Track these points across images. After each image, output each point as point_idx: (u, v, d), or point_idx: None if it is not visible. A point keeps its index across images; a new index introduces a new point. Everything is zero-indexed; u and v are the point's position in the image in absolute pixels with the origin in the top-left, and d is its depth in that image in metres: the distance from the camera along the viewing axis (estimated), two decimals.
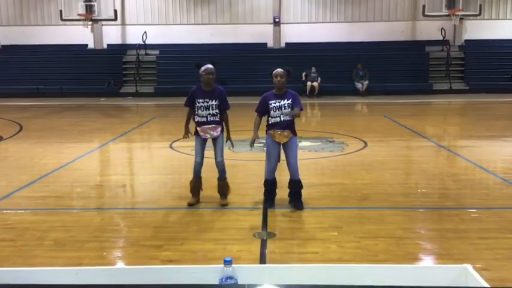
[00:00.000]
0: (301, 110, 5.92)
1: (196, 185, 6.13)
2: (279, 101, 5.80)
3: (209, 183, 6.37)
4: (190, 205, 6.06)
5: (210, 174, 6.37)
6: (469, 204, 6.24)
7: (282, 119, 5.81)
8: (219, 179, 6.15)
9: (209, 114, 5.95)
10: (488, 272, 4.15)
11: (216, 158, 6.08)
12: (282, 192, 6.35)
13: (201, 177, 6.13)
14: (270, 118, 5.90)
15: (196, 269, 2.35)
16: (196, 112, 5.98)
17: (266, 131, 5.99)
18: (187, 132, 6.15)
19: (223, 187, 6.15)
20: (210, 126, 5.97)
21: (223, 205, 6.06)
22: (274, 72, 5.84)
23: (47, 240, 5.04)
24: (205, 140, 6.07)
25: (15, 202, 6.41)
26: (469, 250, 4.73)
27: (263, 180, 6.11)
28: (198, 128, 6.03)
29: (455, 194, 6.71)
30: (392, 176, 7.53)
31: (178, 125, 6.26)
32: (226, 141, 6.14)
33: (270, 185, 6.02)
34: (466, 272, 2.37)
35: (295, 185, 5.95)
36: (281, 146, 5.93)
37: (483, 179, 7.53)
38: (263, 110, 5.94)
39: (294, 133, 5.94)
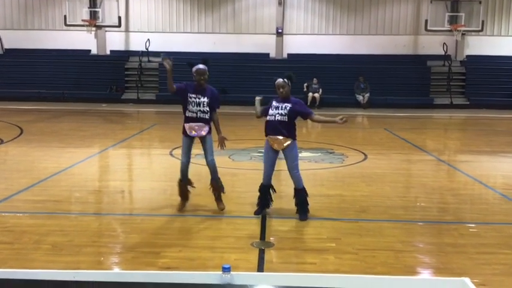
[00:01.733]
0: (311, 113, 5.89)
1: (183, 188, 6.15)
2: (281, 103, 5.82)
3: (209, 191, 6.35)
4: (179, 211, 6.10)
5: (208, 182, 6.37)
6: (468, 219, 6.24)
7: (276, 118, 5.77)
8: (212, 179, 6.16)
9: (199, 110, 5.96)
10: (486, 287, 4.14)
11: (206, 158, 6.08)
12: (281, 202, 6.35)
13: (188, 179, 6.14)
14: (268, 116, 5.88)
15: (194, 275, 2.34)
16: (187, 107, 6.00)
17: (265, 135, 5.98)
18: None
19: (217, 187, 6.15)
20: (198, 124, 5.97)
21: (221, 209, 6.06)
22: (276, 82, 5.84)
23: (45, 244, 5.03)
24: (192, 140, 6.07)
25: (14, 205, 6.41)
26: (468, 265, 4.72)
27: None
28: (185, 125, 6.03)
29: (455, 208, 6.71)
30: (391, 189, 7.52)
31: (179, 133, 6.27)
32: (218, 145, 6.11)
33: (264, 190, 6.00)
34: (464, 285, 2.36)
35: (299, 194, 5.92)
36: (280, 153, 5.90)
37: (482, 194, 7.53)
38: (266, 110, 5.96)
39: (293, 138, 5.85)
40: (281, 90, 5.80)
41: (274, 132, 5.79)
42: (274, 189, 6.08)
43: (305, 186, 5.97)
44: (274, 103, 5.88)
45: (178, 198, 6.25)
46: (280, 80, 5.81)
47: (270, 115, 5.85)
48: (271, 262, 4.74)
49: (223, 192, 6.21)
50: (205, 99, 5.96)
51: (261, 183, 6.05)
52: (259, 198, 6.03)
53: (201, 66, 6.00)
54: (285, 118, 5.76)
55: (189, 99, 5.97)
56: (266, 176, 5.96)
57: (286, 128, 5.78)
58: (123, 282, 2.22)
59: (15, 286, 2.25)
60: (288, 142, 5.80)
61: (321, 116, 6.22)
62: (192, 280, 2.26)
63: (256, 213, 5.98)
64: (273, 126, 5.80)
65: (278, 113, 5.77)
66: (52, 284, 2.26)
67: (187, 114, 6.02)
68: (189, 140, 6.07)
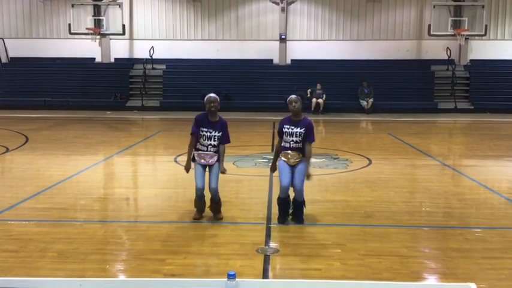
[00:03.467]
0: (312, 141, 5.95)
1: (200, 206, 6.17)
2: (292, 127, 5.90)
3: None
4: (195, 219, 6.10)
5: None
6: (473, 223, 6.22)
7: (291, 145, 5.90)
8: (212, 201, 6.16)
9: (210, 144, 6.01)
10: None
11: (210, 185, 6.07)
12: None
13: (204, 198, 6.15)
14: (283, 142, 5.99)
15: (199, 282, 2.35)
16: (198, 140, 6.03)
17: (280, 151, 6.04)
18: (189, 166, 6.11)
19: (217, 208, 6.17)
20: (209, 153, 6.02)
21: (219, 219, 6.09)
22: (288, 99, 5.94)
23: (50, 252, 5.05)
24: (204, 167, 6.09)
25: (19, 213, 6.43)
26: (473, 270, 4.70)
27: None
28: (195, 154, 6.07)
29: (460, 213, 6.69)
30: (396, 194, 7.51)
31: (184, 139, 6.30)
32: (221, 172, 6.11)
33: (282, 203, 6.04)
34: None
35: (298, 205, 6.01)
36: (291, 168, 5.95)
37: (488, 199, 7.50)
38: (280, 135, 6.04)
39: (304, 155, 5.94)
40: (293, 104, 5.90)
41: (291, 150, 5.92)
42: (292, 202, 6.10)
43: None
44: (286, 128, 5.92)
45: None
46: (293, 96, 5.94)
47: (285, 141, 5.94)
48: (276, 268, 4.73)
49: (220, 218, 6.17)
50: (217, 134, 5.99)
51: (278, 197, 6.07)
52: (280, 210, 6.05)
53: (212, 94, 6.02)
54: (300, 145, 5.90)
55: (202, 132, 5.99)
56: (283, 190, 5.96)
57: (301, 150, 5.93)
58: None
59: None
60: (301, 158, 5.90)
61: (310, 152, 6.06)
62: (197, 287, 2.27)
63: (280, 222, 5.99)
64: (289, 149, 5.92)
65: (292, 141, 5.88)
66: None
67: (197, 146, 6.05)
68: (201, 166, 6.07)
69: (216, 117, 6.06)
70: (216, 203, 6.15)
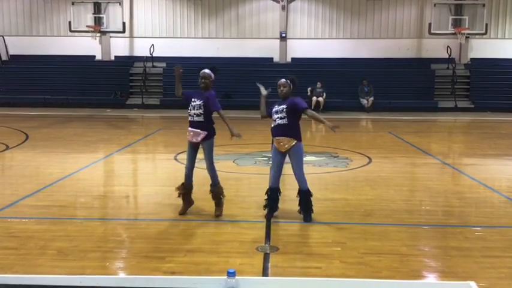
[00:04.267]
0: (304, 108, 5.89)
1: (184, 191, 6.17)
2: (278, 106, 5.94)
3: (210, 196, 6.36)
4: (180, 214, 6.14)
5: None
6: (473, 222, 6.22)
7: (277, 122, 5.90)
8: (211, 185, 6.18)
9: (195, 114, 6.02)
10: None
11: (206, 167, 6.13)
12: (285, 206, 6.35)
13: (190, 184, 6.18)
14: (272, 122, 5.99)
15: (199, 280, 2.35)
16: (188, 111, 6.09)
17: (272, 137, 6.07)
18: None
19: (216, 194, 6.17)
20: (194, 130, 6.01)
21: (217, 216, 6.07)
22: (278, 82, 5.98)
23: (50, 250, 5.05)
24: (195, 146, 6.09)
25: (19, 211, 6.43)
26: (473, 268, 4.70)
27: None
28: (188, 130, 6.11)
29: (460, 211, 6.69)
30: (396, 193, 7.51)
31: (184, 137, 6.30)
32: (232, 137, 6.04)
33: (272, 193, 6.02)
34: None
35: (303, 196, 5.96)
36: (287, 155, 5.94)
37: (488, 198, 7.50)
38: (270, 113, 6.06)
39: (298, 139, 5.90)
40: (281, 88, 5.94)
41: (279, 134, 5.91)
42: (280, 192, 6.09)
43: (310, 189, 6.00)
44: (275, 107, 5.96)
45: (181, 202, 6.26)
46: (282, 79, 5.99)
47: (272, 120, 5.97)
48: (276, 267, 4.73)
49: (221, 200, 6.17)
50: (199, 102, 5.99)
51: (269, 187, 6.07)
52: (267, 201, 6.05)
53: (205, 70, 6.06)
54: (285, 121, 5.85)
55: (191, 103, 6.06)
56: (274, 179, 5.99)
57: (289, 129, 5.87)
58: (128, 287, 2.23)
59: None
60: (293, 143, 5.85)
61: (316, 114, 6.22)
62: (197, 285, 2.27)
63: (267, 217, 5.99)
64: (277, 130, 5.93)
65: (278, 117, 5.89)
66: None
67: (189, 118, 6.10)
68: (192, 145, 6.09)
69: (206, 90, 6.07)
70: (215, 185, 6.14)
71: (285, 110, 5.84)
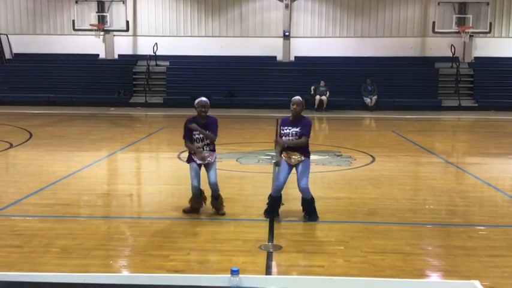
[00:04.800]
0: (306, 135, 5.88)
1: (196, 204, 6.23)
2: (290, 128, 5.90)
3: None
4: (184, 212, 6.18)
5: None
6: (477, 221, 6.20)
7: (286, 145, 5.91)
8: (213, 197, 6.21)
9: (204, 145, 6.10)
10: None
11: (210, 179, 6.13)
12: (289, 205, 6.35)
13: (200, 197, 6.22)
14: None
15: (202, 278, 2.35)
16: (192, 143, 6.12)
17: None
18: (200, 152, 6.16)
19: (217, 204, 6.22)
20: (208, 153, 6.11)
21: (221, 214, 6.14)
22: (292, 99, 5.96)
23: (54, 248, 5.06)
24: (199, 166, 6.15)
25: (23, 209, 6.45)
26: (477, 267, 4.69)
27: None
28: (193, 155, 6.12)
29: (463, 211, 6.68)
30: (399, 192, 7.50)
31: None
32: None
33: (273, 201, 6.04)
34: None
35: (308, 204, 6.00)
36: (294, 168, 5.95)
37: (491, 197, 7.49)
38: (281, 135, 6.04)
39: (307, 156, 5.93)
40: (295, 106, 5.93)
41: (291, 149, 5.91)
42: (282, 202, 6.10)
43: (312, 192, 6.01)
44: (284, 129, 5.90)
45: (187, 202, 6.28)
46: (296, 97, 5.96)
47: (283, 135, 5.93)
48: (279, 265, 4.74)
49: (223, 213, 6.20)
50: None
51: (270, 195, 6.07)
52: (268, 207, 6.06)
53: (203, 98, 6.10)
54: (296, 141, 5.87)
55: (194, 136, 6.10)
56: (277, 189, 5.99)
57: (301, 149, 5.91)
58: (132, 284, 2.24)
59: None
60: (303, 158, 5.88)
61: (300, 143, 5.99)
62: (200, 283, 2.27)
63: (269, 216, 6.01)
64: (289, 146, 5.91)
65: (289, 140, 5.87)
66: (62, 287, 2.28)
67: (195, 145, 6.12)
68: (196, 166, 6.14)
69: (205, 119, 6.11)
70: (217, 198, 6.19)
71: (298, 133, 5.84)
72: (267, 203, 6.09)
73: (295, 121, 5.93)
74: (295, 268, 4.66)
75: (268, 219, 5.96)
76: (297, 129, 5.86)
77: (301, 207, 6.10)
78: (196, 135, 6.08)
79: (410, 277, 4.42)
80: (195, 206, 6.23)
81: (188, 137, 6.15)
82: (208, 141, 6.09)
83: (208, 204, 6.28)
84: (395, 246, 5.17)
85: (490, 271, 4.63)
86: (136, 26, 23.16)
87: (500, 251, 5.12)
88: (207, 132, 6.04)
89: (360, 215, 6.28)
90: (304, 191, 5.93)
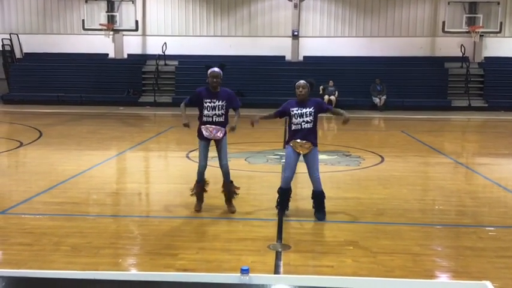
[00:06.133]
0: (329, 108, 6.13)
1: (200, 190, 6.23)
2: (301, 108, 5.86)
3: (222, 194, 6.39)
4: (197, 211, 6.18)
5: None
6: (487, 222, 6.16)
7: (302, 126, 5.85)
8: (224, 182, 6.21)
9: (215, 114, 6.02)
10: None
11: (220, 161, 6.16)
12: (297, 205, 6.34)
13: (204, 180, 6.23)
14: (292, 125, 5.93)
15: (212, 277, 2.35)
16: (203, 112, 6.06)
17: (286, 141, 6.00)
18: (187, 120, 6.16)
19: (229, 190, 6.21)
20: (216, 127, 6.03)
21: (232, 212, 6.11)
22: (296, 83, 5.93)
23: (64, 246, 5.09)
24: (208, 142, 6.10)
25: (33, 207, 6.49)
26: (487, 268, 4.66)
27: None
28: (202, 127, 6.07)
29: (473, 211, 6.63)
30: (409, 192, 7.47)
31: (195, 135, 6.30)
32: (231, 129, 6.17)
33: (285, 194, 6.02)
34: None
35: (319, 196, 5.98)
36: (301, 157, 5.93)
37: (501, 197, 7.43)
38: (281, 113, 6.05)
39: (315, 144, 5.93)
40: (300, 89, 5.89)
41: (301, 137, 5.87)
42: (291, 192, 6.10)
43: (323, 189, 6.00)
44: (294, 110, 5.86)
45: (195, 200, 6.29)
46: (301, 81, 5.94)
47: (295, 124, 5.88)
48: (288, 265, 4.73)
49: (234, 197, 6.22)
50: (221, 103, 6.00)
51: (280, 188, 6.07)
52: (279, 201, 6.05)
53: (215, 69, 6.04)
54: (311, 125, 5.86)
55: (204, 104, 6.02)
56: (287, 180, 5.99)
57: (312, 134, 5.91)
58: (142, 281, 2.24)
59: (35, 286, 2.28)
60: (312, 147, 5.88)
61: (337, 109, 6.52)
62: (210, 281, 2.27)
63: (281, 216, 6.00)
64: (300, 133, 5.87)
65: (303, 121, 5.83)
66: (72, 283, 2.29)
67: (203, 119, 6.07)
68: (206, 143, 6.11)
69: (217, 89, 6.06)
70: (229, 183, 6.17)
71: (312, 113, 5.82)
72: (278, 197, 6.07)
73: (303, 102, 5.90)
74: (304, 268, 4.65)
75: (277, 216, 5.96)
76: (311, 109, 5.82)
77: (310, 208, 6.09)
78: (208, 103, 5.97)
79: (420, 278, 4.40)
80: (196, 190, 6.21)
81: (192, 102, 6.07)
82: (220, 111, 5.99)
83: (215, 203, 6.27)
84: (404, 247, 5.15)
85: (501, 272, 4.59)
86: (145, 25, 23.23)
87: (511, 252, 5.07)
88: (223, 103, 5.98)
89: (369, 215, 6.25)
90: (317, 181, 5.92)
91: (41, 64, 22.63)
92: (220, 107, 6.00)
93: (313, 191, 6.02)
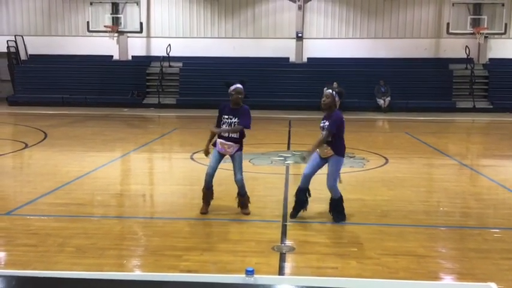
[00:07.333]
0: (330, 130, 5.86)
1: (207, 195, 6.22)
2: (324, 121, 5.95)
3: (229, 195, 6.41)
4: (202, 213, 6.17)
5: (230, 187, 6.42)
6: (491, 224, 6.14)
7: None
8: (239, 194, 6.22)
9: (230, 130, 6.05)
10: None
11: (235, 176, 6.14)
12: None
13: (212, 187, 6.22)
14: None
15: (217, 278, 2.36)
16: (221, 126, 6.10)
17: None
18: (207, 151, 6.21)
19: (244, 202, 6.22)
20: (228, 143, 6.06)
21: (246, 214, 6.12)
22: (324, 91, 5.95)
23: (68, 247, 5.10)
24: (221, 156, 6.13)
25: (38, 208, 6.51)
26: (492, 270, 4.65)
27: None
28: (217, 140, 6.12)
29: (478, 213, 6.61)
30: (413, 193, 7.45)
31: (200, 136, 6.34)
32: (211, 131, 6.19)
33: (299, 194, 6.01)
34: None
35: (334, 203, 6.00)
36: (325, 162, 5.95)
37: (506, 199, 7.40)
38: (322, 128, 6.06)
39: (338, 153, 5.91)
40: (324, 99, 5.92)
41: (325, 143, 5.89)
42: (310, 193, 6.08)
43: (326, 190, 5.99)
44: (322, 123, 5.94)
45: (200, 202, 6.29)
46: (329, 90, 5.96)
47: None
48: (292, 266, 4.73)
49: (247, 213, 6.20)
50: (236, 120, 6.04)
51: (298, 187, 6.05)
52: (296, 201, 6.04)
53: (239, 85, 6.12)
54: (329, 138, 5.86)
55: (223, 119, 6.09)
56: (305, 179, 5.98)
57: (331, 143, 5.87)
58: (146, 281, 2.25)
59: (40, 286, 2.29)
60: (331, 154, 5.87)
61: (322, 138, 5.98)
62: (214, 282, 2.27)
63: (291, 216, 6.00)
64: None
65: (322, 134, 5.90)
66: (76, 284, 2.30)
67: (221, 134, 6.11)
68: (219, 154, 6.12)
69: (239, 105, 6.10)
70: (243, 195, 6.18)
71: (328, 129, 5.87)
72: (295, 195, 6.05)
73: (328, 116, 5.94)
74: (308, 269, 4.65)
75: (293, 218, 5.96)
76: (326, 124, 5.87)
77: (314, 209, 6.09)
78: (225, 119, 6.03)
79: (424, 279, 4.39)
80: (205, 197, 6.21)
81: (218, 121, 6.13)
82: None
83: (219, 204, 6.27)
84: (409, 248, 5.14)
85: (505, 274, 4.58)
86: (149, 27, 23.29)
87: None
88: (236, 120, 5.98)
89: (373, 217, 6.25)
90: (331, 190, 5.93)
91: (46, 66, 22.71)
92: (235, 123, 6.04)
93: (330, 198, 6.04)
